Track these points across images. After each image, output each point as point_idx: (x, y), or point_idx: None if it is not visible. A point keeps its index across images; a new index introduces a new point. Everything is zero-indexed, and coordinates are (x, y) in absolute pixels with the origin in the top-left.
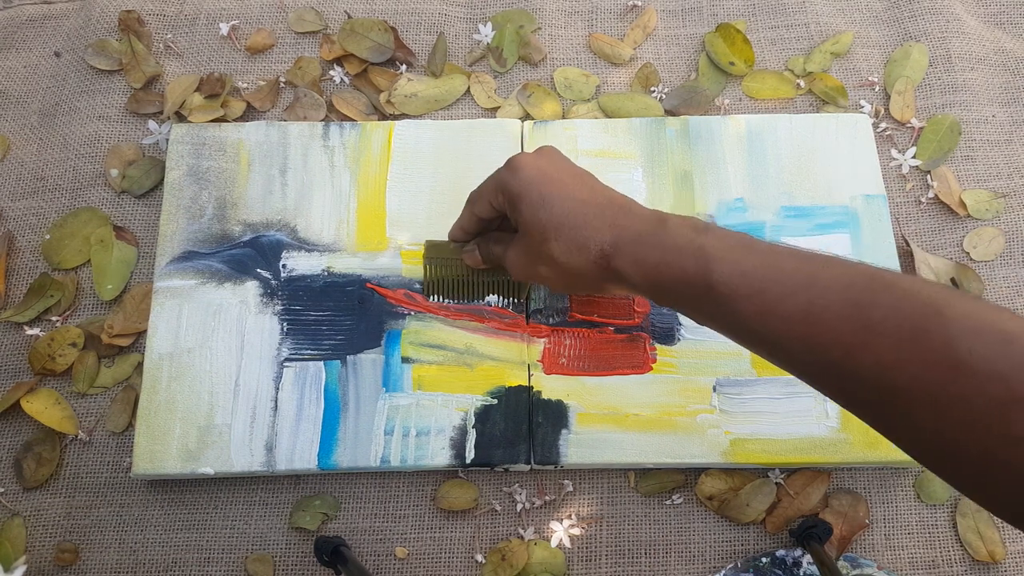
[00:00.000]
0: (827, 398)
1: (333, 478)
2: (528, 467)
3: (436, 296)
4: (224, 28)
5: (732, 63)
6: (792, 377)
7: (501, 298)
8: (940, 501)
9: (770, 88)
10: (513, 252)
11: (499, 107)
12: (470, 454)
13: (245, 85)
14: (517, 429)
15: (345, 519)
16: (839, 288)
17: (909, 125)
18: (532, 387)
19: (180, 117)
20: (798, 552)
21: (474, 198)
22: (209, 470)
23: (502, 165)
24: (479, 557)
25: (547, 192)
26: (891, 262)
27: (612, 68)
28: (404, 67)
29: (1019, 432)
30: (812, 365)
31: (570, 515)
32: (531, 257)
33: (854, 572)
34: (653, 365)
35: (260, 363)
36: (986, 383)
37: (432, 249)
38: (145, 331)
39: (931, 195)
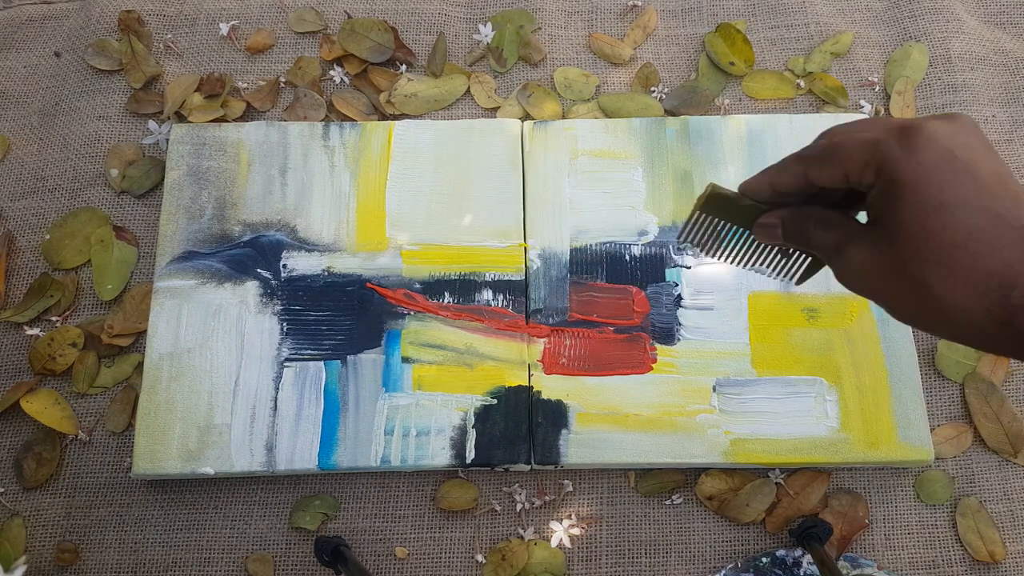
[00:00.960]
0: (827, 397)
1: (333, 478)
2: (528, 467)
3: (690, 246)
4: (224, 28)
5: (732, 63)
6: (792, 377)
7: (776, 276)
8: (940, 501)
9: (770, 88)
10: (862, 254)
11: (499, 107)
12: (470, 454)
13: (245, 85)
14: (517, 429)
15: (345, 519)
16: None
17: None
18: (532, 387)
19: (180, 117)
20: (798, 552)
21: (821, 156)
22: (209, 470)
23: (890, 128)
24: (479, 557)
25: (954, 193)
26: None
27: (612, 68)
28: (404, 67)
29: None
30: None
31: (570, 515)
32: (885, 272)
33: (854, 572)
34: (653, 365)
35: (260, 363)
36: None
37: (714, 199)
38: (145, 331)
39: None
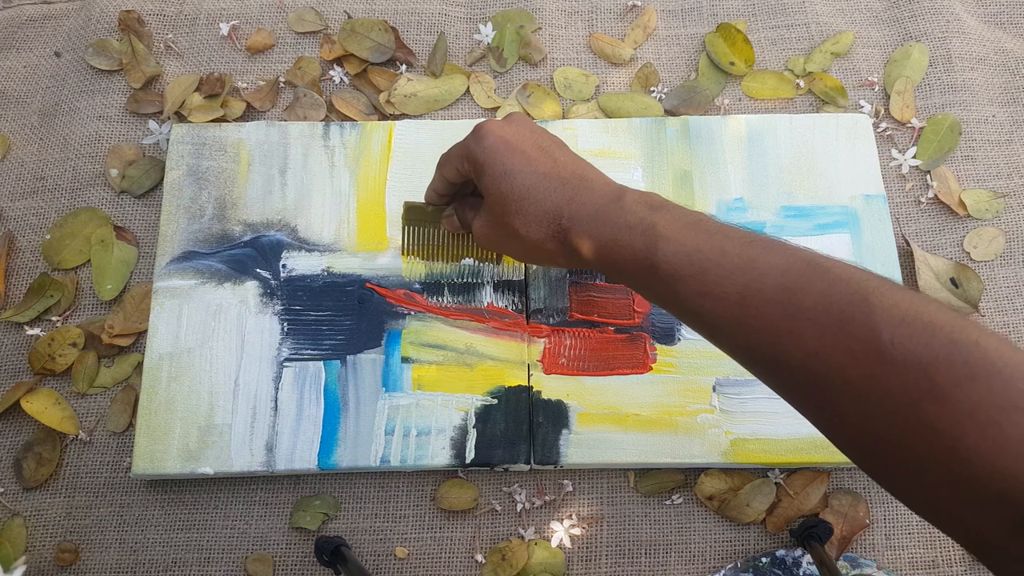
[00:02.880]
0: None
1: (333, 478)
2: (528, 467)
3: (414, 256)
4: (224, 28)
5: (732, 63)
6: None
7: (476, 261)
8: None
9: (770, 88)
10: (480, 222)
11: (499, 107)
12: (470, 454)
13: (245, 85)
14: (517, 429)
15: (345, 519)
16: (775, 273)
17: (909, 125)
18: (532, 387)
19: (180, 117)
20: (798, 552)
21: (443, 162)
22: (209, 470)
23: (470, 132)
24: (479, 557)
25: (509, 163)
26: (891, 262)
27: (612, 68)
28: (404, 67)
29: (936, 423)
30: (746, 350)
31: (570, 515)
32: (495, 228)
33: (854, 572)
34: (653, 365)
35: (260, 363)
36: (906, 374)
37: (411, 211)
38: (145, 331)
39: (931, 195)
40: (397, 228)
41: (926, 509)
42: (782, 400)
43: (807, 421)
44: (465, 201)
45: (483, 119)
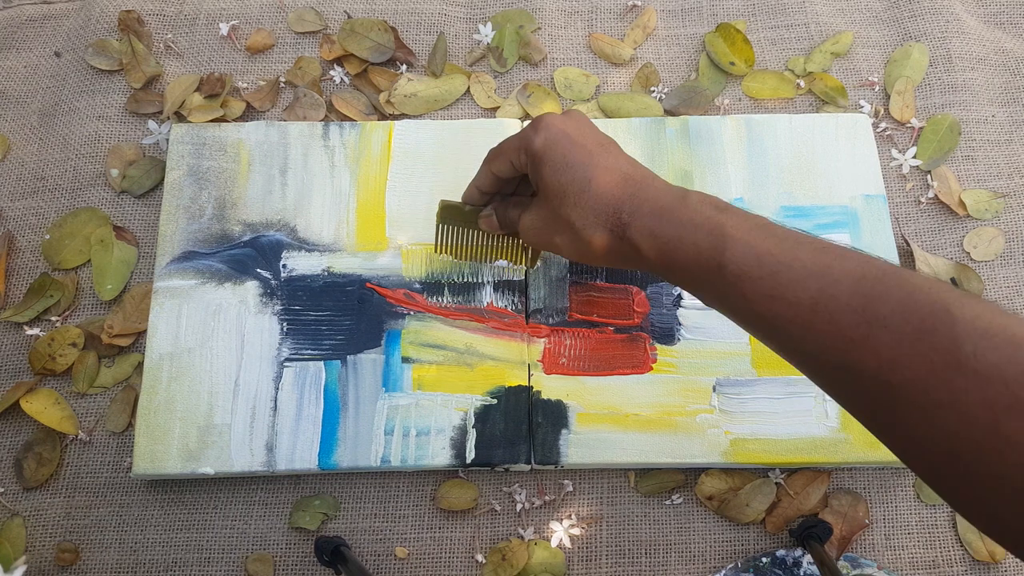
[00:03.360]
0: (827, 397)
1: (333, 478)
2: (528, 467)
3: (445, 254)
4: (224, 28)
5: (732, 63)
6: (792, 377)
7: (510, 262)
8: (940, 501)
9: (770, 88)
10: (529, 216)
11: (499, 107)
12: (470, 454)
13: (245, 85)
14: (517, 429)
15: (345, 519)
16: (851, 280)
17: (909, 125)
18: (532, 387)
19: (180, 117)
20: (798, 552)
21: (493, 156)
22: (209, 470)
23: (528, 125)
24: (479, 557)
25: (570, 156)
26: (891, 262)
27: (612, 68)
28: (404, 67)
29: (1016, 438)
30: (813, 356)
31: (570, 515)
32: (547, 222)
33: (854, 572)
34: (653, 365)
35: (260, 363)
36: (987, 386)
37: (446, 211)
38: (145, 331)
39: (931, 195)
40: (397, 227)
41: (990, 523)
42: (782, 400)
43: (810, 422)
44: (507, 200)
45: (484, 118)
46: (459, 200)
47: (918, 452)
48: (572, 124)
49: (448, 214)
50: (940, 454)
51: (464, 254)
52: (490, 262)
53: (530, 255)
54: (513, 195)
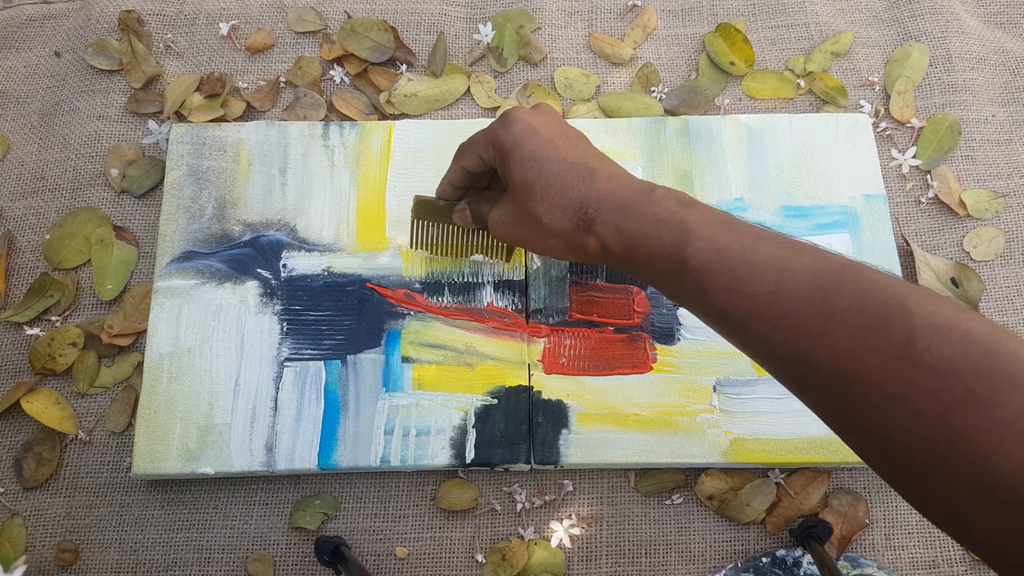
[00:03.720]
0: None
1: (333, 478)
2: (528, 467)
3: (421, 249)
4: (224, 28)
5: (732, 63)
6: None
7: (486, 257)
8: None
9: (770, 88)
10: (498, 211)
11: (499, 107)
12: (470, 454)
13: (245, 85)
14: (517, 429)
15: (345, 519)
16: (809, 275)
17: (909, 125)
18: (532, 387)
19: (180, 117)
20: (798, 552)
21: (463, 150)
22: (209, 470)
23: (496, 120)
24: (479, 557)
25: (537, 151)
26: (891, 262)
27: (612, 68)
28: (404, 67)
29: (968, 432)
30: (771, 349)
31: (570, 515)
32: (515, 217)
33: (854, 572)
34: (653, 365)
35: (260, 363)
36: (940, 380)
37: (420, 206)
38: (145, 331)
39: (931, 195)
40: (397, 227)
41: (944, 518)
42: (782, 400)
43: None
44: (480, 195)
45: (484, 118)
46: (433, 195)
47: (871, 447)
48: (540, 118)
49: (422, 209)
50: (894, 448)
51: (439, 250)
52: (466, 257)
53: (505, 250)
54: (486, 189)
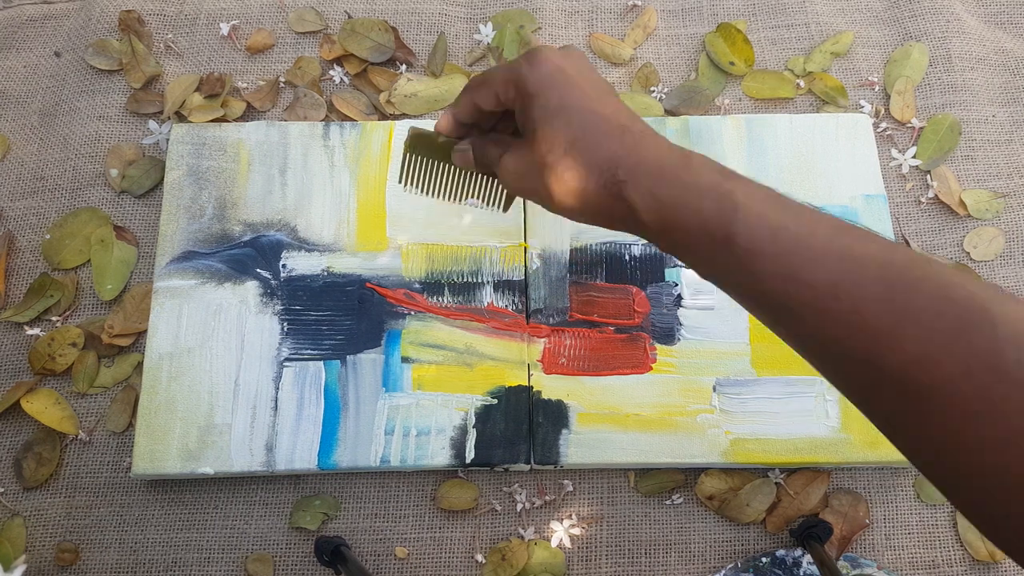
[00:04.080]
0: (827, 397)
1: (333, 478)
2: (528, 467)
3: (410, 187)
4: (224, 28)
5: (732, 63)
6: (792, 377)
7: (483, 202)
8: (940, 501)
9: (770, 88)
10: (512, 159)
11: None
12: (470, 454)
13: (245, 85)
14: (517, 429)
15: (345, 519)
16: (876, 266)
17: (909, 125)
18: (532, 387)
19: (180, 117)
20: (798, 552)
21: (476, 84)
22: (209, 470)
23: (520, 56)
24: (479, 557)
25: (566, 98)
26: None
27: (612, 68)
28: (404, 67)
29: None
30: (828, 346)
31: (570, 515)
32: (532, 169)
33: (854, 572)
34: (653, 365)
35: (260, 363)
36: None
37: (417, 139)
38: (145, 331)
39: (931, 195)
40: (397, 227)
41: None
42: (782, 400)
43: (810, 422)
44: (487, 137)
45: None
46: (432, 130)
47: (940, 460)
48: (570, 62)
49: (418, 143)
50: (969, 465)
51: (432, 190)
52: (460, 201)
53: (504, 198)
54: (492, 131)
